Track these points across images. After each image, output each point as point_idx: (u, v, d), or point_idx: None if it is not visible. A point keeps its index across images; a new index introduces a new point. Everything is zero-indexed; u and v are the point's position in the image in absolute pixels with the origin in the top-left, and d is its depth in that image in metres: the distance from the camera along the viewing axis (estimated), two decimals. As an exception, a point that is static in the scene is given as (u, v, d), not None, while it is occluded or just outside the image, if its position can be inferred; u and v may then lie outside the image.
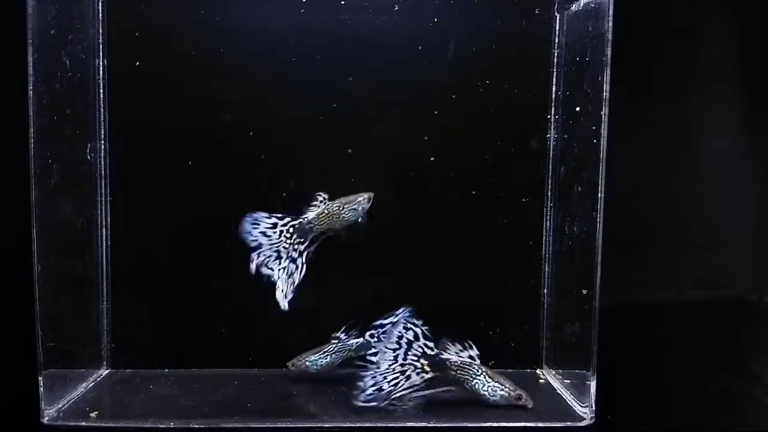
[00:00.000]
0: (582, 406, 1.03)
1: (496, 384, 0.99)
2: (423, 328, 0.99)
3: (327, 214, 1.06)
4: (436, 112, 1.15)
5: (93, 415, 0.98)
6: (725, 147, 1.50)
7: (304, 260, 1.05)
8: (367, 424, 0.97)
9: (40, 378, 0.98)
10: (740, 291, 1.51)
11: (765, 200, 1.51)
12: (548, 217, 1.17)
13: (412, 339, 0.99)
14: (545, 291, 1.18)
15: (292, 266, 1.05)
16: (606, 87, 0.99)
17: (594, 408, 1.00)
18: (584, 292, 1.03)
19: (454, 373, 0.98)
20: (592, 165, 1.02)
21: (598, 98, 1.00)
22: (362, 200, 1.07)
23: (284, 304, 1.04)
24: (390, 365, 0.98)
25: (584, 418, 1.01)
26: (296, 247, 1.05)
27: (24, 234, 0.98)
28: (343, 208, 1.06)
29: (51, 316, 0.99)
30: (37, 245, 0.98)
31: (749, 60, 1.46)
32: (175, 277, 1.16)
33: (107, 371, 1.15)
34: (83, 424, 0.97)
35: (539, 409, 1.04)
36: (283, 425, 0.97)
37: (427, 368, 0.98)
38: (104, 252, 1.14)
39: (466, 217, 1.17)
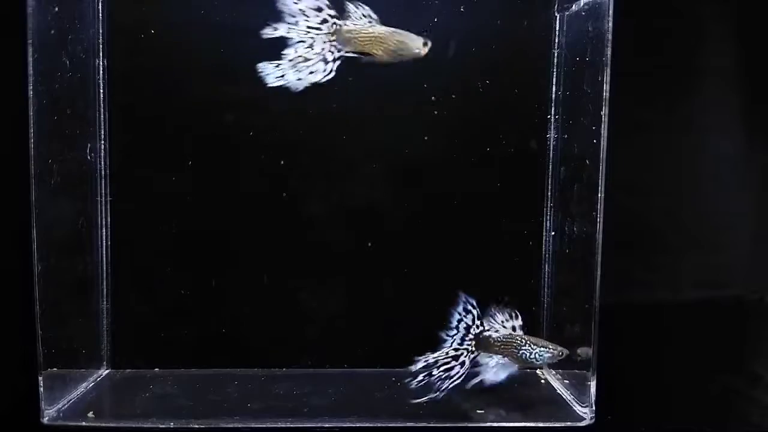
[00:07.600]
0: (582, 406, 1.03)
1: (541, 348, 1.00)
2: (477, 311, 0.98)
3: (374, 35, 0.96)
4: (436, 112, 1.15)
5: (90, 414, 0.99)
6: (725, 147, 1.50)
7: (333, 68, 0.96)
8: (367, 424, 0.98)
9: (40, 378, 0.98)
10: (740, 291, 1.52)
11: (765, 200, 1.51)
12: (548, 217, 1.17)
13: (470, 323, 0.98)
14: (545, 291, 1.18)
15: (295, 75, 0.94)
16: (606, 87, 0.99)
17: (594, 408, 1.01)
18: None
19: (497, 349, 0.98)
20: (592, 165, 1.02)
21: (598, 98, 1.00)
22: (418, 43, 0.96)
23: (271, 81, 0.95)
24: (443, 350, 0.96)
25: (584, 418, 1.01)
26: (332, 49, 0.94)
27: (24, 234, 0.98)
28: (393, 38, 0.96)
29: (51, 316, 0.99)
30: (37, 245, 0.97)
31: (749, 60, 1.47)
32: (175, 277, 1.15)
33: (107, 371, 1.15)
34: (83, 424, 0.97)
35: (539, 409, 1.04)
36: (283, 425, 0.97)
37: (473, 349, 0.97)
38: (104, 252, 1.14)
39: (466, 217, 1.17)
